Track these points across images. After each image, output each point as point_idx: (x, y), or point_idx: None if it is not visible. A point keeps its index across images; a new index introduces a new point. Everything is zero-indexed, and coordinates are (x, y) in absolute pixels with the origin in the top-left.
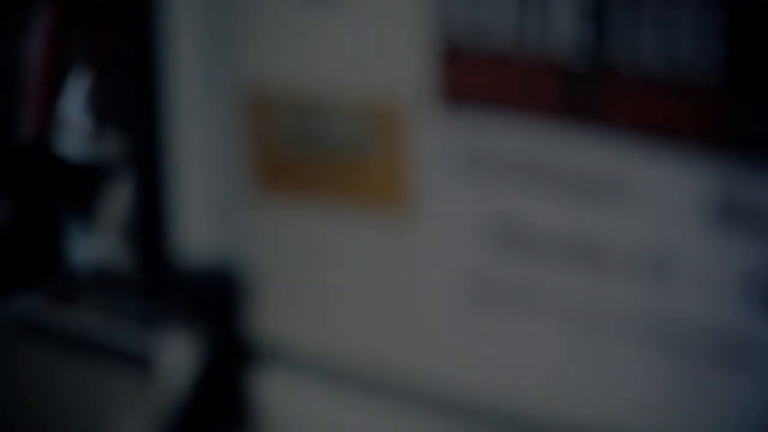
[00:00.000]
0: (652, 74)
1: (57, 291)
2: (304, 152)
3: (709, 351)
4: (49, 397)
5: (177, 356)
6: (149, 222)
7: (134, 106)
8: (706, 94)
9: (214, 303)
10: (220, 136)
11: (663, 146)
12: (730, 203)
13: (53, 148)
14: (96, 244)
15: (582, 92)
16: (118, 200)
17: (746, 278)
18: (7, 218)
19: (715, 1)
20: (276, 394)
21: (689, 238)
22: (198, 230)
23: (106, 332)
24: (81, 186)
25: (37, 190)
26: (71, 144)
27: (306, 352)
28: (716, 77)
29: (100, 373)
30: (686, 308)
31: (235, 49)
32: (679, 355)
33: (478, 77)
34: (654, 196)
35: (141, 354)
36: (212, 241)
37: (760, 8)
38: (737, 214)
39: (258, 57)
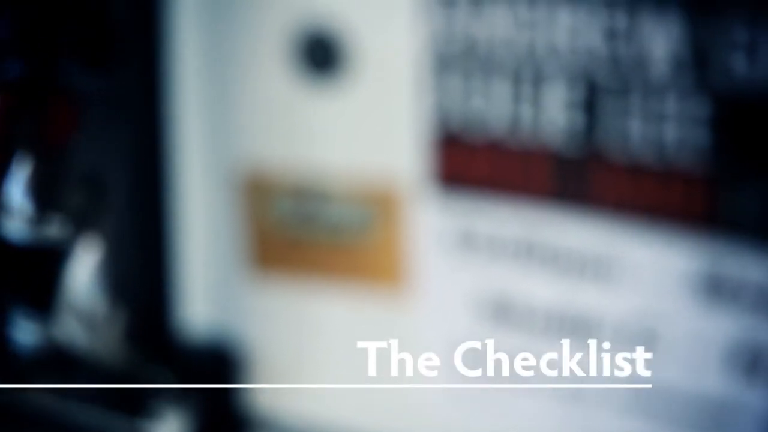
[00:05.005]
0: (640, 160)
1: (4, 373)
2: (301, 234)
3: (694, 419)
4: None
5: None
6: (149, 299)
7: (132, 188)
8: (691, 179)
9: (211, 379)
10: (219, 218)
11: (650, 226)
12: (714, 280)
13: None
14: (43, 327)
15: (573, 177)
16: (68, 282)
17: (729, 350)
18: None
19: (698, 93)
20: None
21: (675, 313)
22: (196, 308)
23: (65, 412)
24: (23, 270)
25: None
26: (13, 228)
27: (303, 428)
28: (700, 163)
29: None
30: (672, 379)
31: (233, 132)
32: (665, 423)
33: (473, 162)
34: (641, 273)
35: None
36: (210, 319)
37: (740, 99)
38: (721, 289)
39: (256, 140)
